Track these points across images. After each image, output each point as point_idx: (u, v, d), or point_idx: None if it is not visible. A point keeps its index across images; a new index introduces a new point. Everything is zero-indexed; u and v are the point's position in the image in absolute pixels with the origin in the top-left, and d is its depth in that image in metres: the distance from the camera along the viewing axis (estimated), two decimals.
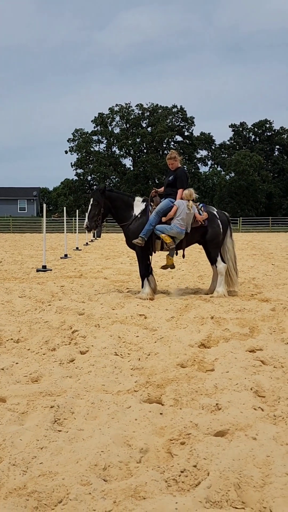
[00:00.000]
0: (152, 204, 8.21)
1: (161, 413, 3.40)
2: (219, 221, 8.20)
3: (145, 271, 8.13)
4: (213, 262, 8.27)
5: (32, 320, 6.16)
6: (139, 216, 8.16)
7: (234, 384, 3.85)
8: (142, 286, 8.05)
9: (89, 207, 8.26)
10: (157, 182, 71.48)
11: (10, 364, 4.47)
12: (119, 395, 3.74)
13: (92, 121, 78.78)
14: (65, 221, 18.99)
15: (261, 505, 2.31)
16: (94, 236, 32.29)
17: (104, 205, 8.17)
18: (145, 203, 8.26)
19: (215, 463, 2.59)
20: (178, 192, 8.04)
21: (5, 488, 2.51)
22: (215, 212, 8.28)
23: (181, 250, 8.33)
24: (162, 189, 8.45)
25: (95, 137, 78.51)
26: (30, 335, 5.49)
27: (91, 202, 8.24)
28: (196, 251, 17.05)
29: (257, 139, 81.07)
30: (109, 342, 5.12)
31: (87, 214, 8.27)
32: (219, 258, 8.18)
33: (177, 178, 8.12)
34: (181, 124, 79.84)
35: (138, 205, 8.26)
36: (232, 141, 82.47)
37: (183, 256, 8.46)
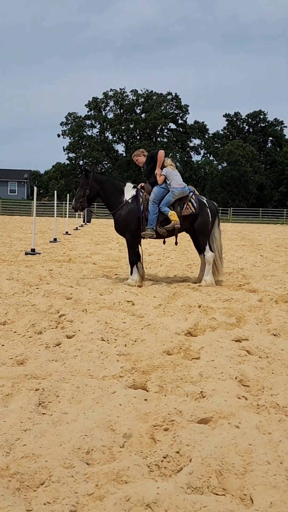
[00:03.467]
0: (143, 191, 8.18)
1: (145, 399, 3.42)
2: (208, 210, 8.20)
3: (135, 258, 8.12)
4: (201, 251, 8.28)
5: (19, 303, 6.14)
6: (129, 201, 8.13)
7: (219, 373, 3.87)
8: (131, 273, 8.05)
9: (78, 188, 8.41)
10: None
11: None
12: (104, 380, 3.75)
13: (85, 105, 78.20)
14: (55, 205, 18.89)
15: (242, 492, 2.34)
16: (84, 221, 32.17)
17: (90, 187, 8.16)
18: (135, 189, 8.23)
19: (198, 450, 2.61)
20: (158, 154, 8.11)
21: None
22: (204, 201, 8.28)
23: (172, 238, 8.35)
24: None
25: (88, 122, 78.00)
26: (17, 318, 5.48)
27: (80, 183, 8.39)
28: (186, 239, 17.07)
29: (251, 130, 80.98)
30: (96, 327, 5.12)
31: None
32: (207, 247, 8.18)
33: (150, 159, 8.20)
34: (175, 111, 79.44)
35: (129, 191, 8.22)
36: (226, 131, 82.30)
37: (176, 243, 8.45)
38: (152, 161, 8.17)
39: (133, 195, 8.14)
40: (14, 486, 2.34)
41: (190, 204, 8.05)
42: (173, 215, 7.83)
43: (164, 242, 8.73)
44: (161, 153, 8.20)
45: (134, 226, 8.04)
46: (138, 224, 8.02)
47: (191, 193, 8.15)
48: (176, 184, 7.95)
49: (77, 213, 9.66)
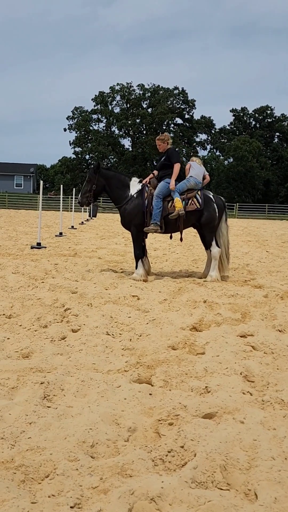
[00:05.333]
0: (149, 185, 8.16)
1: (150, 394, 3.42)
2: (215, 205, 8.18)
3: (140, 252, 8.12)
4: (207, 246, 8.27)
5: (25, 297, 6.16)
6: (135, 196, 8.12)
7: (224, 368, 3.87)
8: (136, 268, 8.05)
9: (84, 183, 8.35)
10: (155, 164, 71.15)
11: (2, 339, 4.48)
12: (109, 374, 3.75)
13: (92, 99, 78.03)
14: (61, 199, 18.90)
15: (246, 487, 2.34)
16: (89, 216, 32.17)
17: (97, 182, 8.16)
18: (141, 184, 8.21)
19: (202, 444, 2.61)
20: (174, 167, 8.04)
21: None
22: (211, 196, 8.27)
23: (175, 233, 8.35)
24: (155, 173, 8.46)
25: (94, 116, 77.84)
26: (22, 311, 5.49)
27: (86, 178, 8.34)
28: (191, 235, 17.05)
29: (258, 125, 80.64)
30: (101, 321, 5.13)
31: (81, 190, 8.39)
32: (213, 243, 8.17)
33: (169, 156, 8.15)
34: (182, 106, 79.17)
35: (135, 186, 8.21)
36: (232, 126, 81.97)
37: (181, 239, 8.44)
38: (168, 157, 8.14)
39: (138, 189, 8.13)
40: (19, 479, 2.35)
41: (195, 200, 8.04)
42: (178, 202, 7.84)
43: (170, 237, 8.72)
44: (187, 166, 8.33)
45: (139, 220, 8.04)
46: (143, 218, 8.02)
47: (198, 189, 8.18)
48: (194, 175, 8.16)
49: (82, 207, 9.35)
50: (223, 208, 8.34)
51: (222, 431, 2.78)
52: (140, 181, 8.27)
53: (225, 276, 8.33)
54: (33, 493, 2.27)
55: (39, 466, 2.44)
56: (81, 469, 2.42)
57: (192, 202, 8.03)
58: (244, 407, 3.18)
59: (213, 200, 8.21)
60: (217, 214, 8.15)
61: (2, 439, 2.71)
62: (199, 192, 8.12)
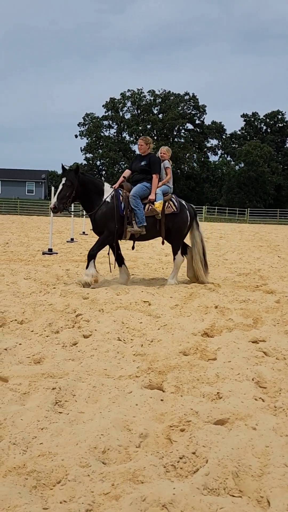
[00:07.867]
0: (122, 189, 7.94)
1: (162, 400, 3.42)
2: (187, 212, 8.15)
3: (97, 252, 7.84)
4: (173, 253, 8.20)
5: (37, 302, 6.17)
6: (108, 200, 7.78)
7: (236, 374, 3.85)
8: (87, 267, 7.69)
9: (60, 186, 7.56)
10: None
11: (14, 345, 4.49)
12: (120, 380, 3.75)
13: (103, 105, 78.52)
14: (72, 205, 18.95)
15: (259, 495, 2.32)
16: None
17: (76, 188, 7.60)
18: (113, 189, 7.91)
19: (214, 451, 2.60)
20: (153, 177, 7.89)
21: (4, 466, 2.54)
22: (184, 203, 8.23)
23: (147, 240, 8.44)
24: (124, 175, 8.27)
25: (105, 122, 78.30)
26: (34, 317, 5.51)
27: (63, 182, 7.57)
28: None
29: (269, 130, 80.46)
30: (113, 327, 5.13)
31: (56, 194, 7.62)
32: (179, 251, 8.14)
33: (151, 164, 7.99)
34: (193, 112, 79.34)
35: (108, 190, 7.89)
36: (243, 131, 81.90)
37: (163, 242, 8.26)
38: (149, 163, 7.99)
39: (112, 194, 7.82)
40: (31, 484, 2.36)
41: (171, 203, 7.95)
42: (159, 205, 7.74)
43: (133, 248, 8.64)
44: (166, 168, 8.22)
45: (113, 224, 7.73)
46: (119, 222, 7.75)
47: (171, 194, 8.10)
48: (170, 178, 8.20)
49: (53, 214, 7.84)
50: (194, 216, 8.28)
51: (234, 437, 2.77)
52: (111, 186, 7.99)
53: (203, 282, 8.11)
54: (44, 499, 2.27)
55: (51, 472, 2.44)
56: (92, 475, 2.42)
57: (169, 205, 7.94)
58: (256, 413, 3.16)
59: (186, 207, 8.18)
60: (188, 222, 8.11)
61: (14, 444, 2.72)
62: (173, 196, 8.08)
